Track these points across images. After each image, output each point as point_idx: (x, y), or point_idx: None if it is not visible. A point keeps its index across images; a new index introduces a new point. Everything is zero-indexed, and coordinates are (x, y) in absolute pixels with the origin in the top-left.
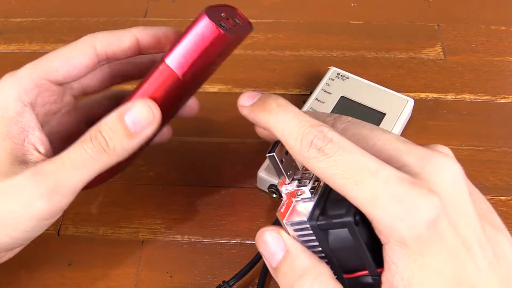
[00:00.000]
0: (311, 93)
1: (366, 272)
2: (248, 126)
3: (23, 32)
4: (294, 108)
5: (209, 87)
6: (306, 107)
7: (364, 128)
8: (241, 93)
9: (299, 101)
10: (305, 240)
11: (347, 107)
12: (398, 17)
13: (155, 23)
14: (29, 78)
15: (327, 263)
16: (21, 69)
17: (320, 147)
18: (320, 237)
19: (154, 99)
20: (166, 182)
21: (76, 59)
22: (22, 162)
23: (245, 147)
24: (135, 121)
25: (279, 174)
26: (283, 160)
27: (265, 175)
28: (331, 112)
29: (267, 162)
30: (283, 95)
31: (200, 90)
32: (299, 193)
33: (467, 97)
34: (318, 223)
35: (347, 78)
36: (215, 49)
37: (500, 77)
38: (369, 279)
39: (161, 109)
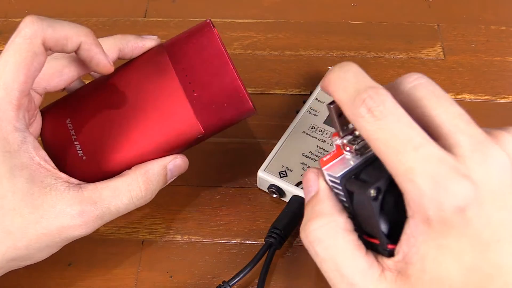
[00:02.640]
0: (311, 93)
1: (378, 242)
2: (248, 126)
3: None
4: (356, 69)
5: None
6: (306, 107)
7: (433, 94)
8: None
9: (299, 101)
10: (336, 192)
11: None
12: (398, 17)
13: (155, 23)
14: (10, 99)
15: (352, 219)
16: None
17: (371, 107)
18: (347, 196)
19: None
20: None
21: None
22: (50, 189)
23: (245, 147)
24: (173, 173)
25: (334, 126)
26: (341, 115)
27: (265, 175)
28: None
29: (267, 162)
30: (283, 95)
31: None
32: (347, 148)
33: (467, 97)
34: (346, 184)
35: None
36: (240, 119)
37: (500, 77)
38: (381, 249)
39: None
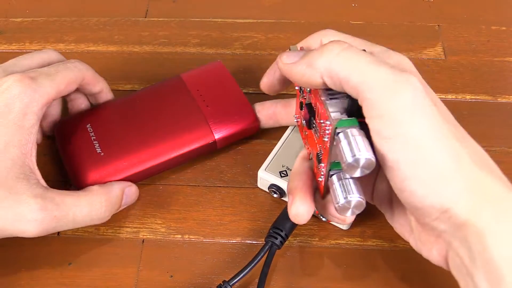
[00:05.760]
0: None
1: None
2: None
3: (24, 32)
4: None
5: None
6: None
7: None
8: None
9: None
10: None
11: None
12: (398, 17)
13: (156, 23)
14: (48, 96)
15: None
16: (42, 83)
17: None
18: None
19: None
20: (166, 182)
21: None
22: (24, 177)
23: (245, 147)
24: (127, 199)
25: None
26: None
27: (266, 175)
28: None
29: (267, 161)
30: (283, 95)
31: None
32: None
33: (467, 97)
34: None
35: None
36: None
37: (500, 78)
38: None
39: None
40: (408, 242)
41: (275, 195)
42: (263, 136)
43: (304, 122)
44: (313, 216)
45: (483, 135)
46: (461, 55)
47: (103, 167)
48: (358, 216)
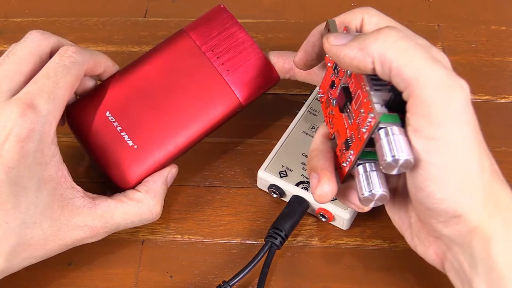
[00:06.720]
0: (311, 93)
1: None
2: (248, 126)
3: (24, 32)
4: None
5: None
6: (306, 107)
7: None
8: None
9: (299, 101)
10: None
11: None
12: (398, 17)
13: (155, 23)
14: (55, 119)
15: None
16: (45, 108)
17: None
18: None
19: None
20: None
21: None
22: (66, 201)
23: (245, 147)
24: (170, 182)
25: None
26: None
27: (265, 175)
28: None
29: (267, 162)
30: (283, 95)
31: None
32: None
33: None
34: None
35: None
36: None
37: (500, 77)
38: None
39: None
40: (403, 236)
41: (274, 195)
42: (263, 136)
43: (333, 102)
44: (313, 216)
45: (483, 135)
46: (461, 55)
47: (142, 162)
48: (358, 215)
